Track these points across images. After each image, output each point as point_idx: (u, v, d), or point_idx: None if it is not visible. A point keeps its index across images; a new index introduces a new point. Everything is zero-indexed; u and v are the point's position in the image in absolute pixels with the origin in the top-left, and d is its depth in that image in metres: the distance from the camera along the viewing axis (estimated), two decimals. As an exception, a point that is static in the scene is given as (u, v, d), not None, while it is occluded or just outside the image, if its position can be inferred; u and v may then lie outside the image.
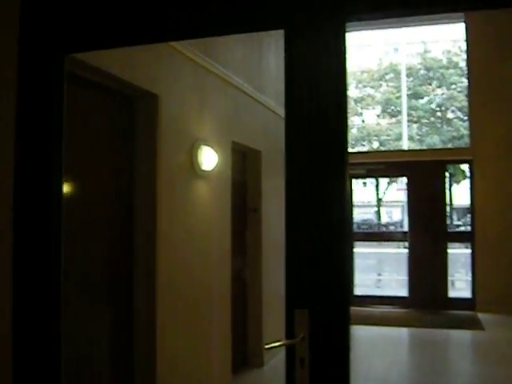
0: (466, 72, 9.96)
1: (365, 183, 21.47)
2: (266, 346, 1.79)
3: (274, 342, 1.78)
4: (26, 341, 2.20)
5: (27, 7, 2.27)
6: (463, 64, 13.42)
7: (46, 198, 2.21)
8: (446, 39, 17.42)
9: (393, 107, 19.60)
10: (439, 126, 19.07)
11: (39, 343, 2.18)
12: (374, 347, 6.81)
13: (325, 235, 1.80)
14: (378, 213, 24.24)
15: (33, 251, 2.21)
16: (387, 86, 19.49)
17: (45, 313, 2.18)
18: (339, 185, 1.82)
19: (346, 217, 1.81)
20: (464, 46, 9.67)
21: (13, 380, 2.21)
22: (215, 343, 4.55)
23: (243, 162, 5.66)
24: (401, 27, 11.63)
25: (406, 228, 11.06)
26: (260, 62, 5.92)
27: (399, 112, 18.79)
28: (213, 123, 4.51)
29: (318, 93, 1.85)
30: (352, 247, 9.04)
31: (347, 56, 1.85)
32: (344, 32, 1.85)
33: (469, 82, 9.31)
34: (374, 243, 16.55)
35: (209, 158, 4.25)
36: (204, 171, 4.23)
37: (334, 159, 1.82)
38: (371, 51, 18.55)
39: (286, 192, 1.87)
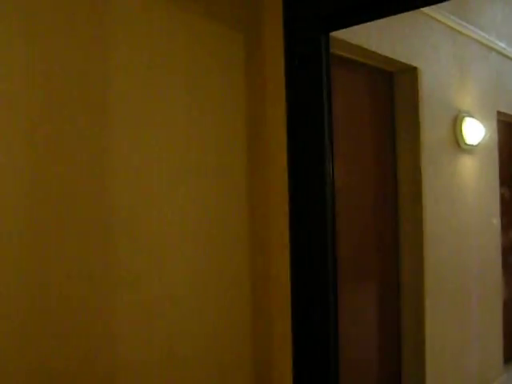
0: None
1: None
2: None
3: None
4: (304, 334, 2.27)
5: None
6: None
7: (319, 183, 2.19)
8: None
9: None
10: None
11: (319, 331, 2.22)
12: None
13: None
14: None
15: (309, 239, 2.22)
16: None
17: (322, 299, 2.20)
18: None
19: None
20: None
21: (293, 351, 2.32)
22: (484, 330, 4.24)
23: (511, 134, 5.14)
24: None
25: None
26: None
27: None
28: (475, 93, 4.17)
29: None
30: None
31: None
32: None
33: None
34: None
35: (473, 131, 3.93)
36: (469, 145, 3.92)
37: None
38: None
39: None
